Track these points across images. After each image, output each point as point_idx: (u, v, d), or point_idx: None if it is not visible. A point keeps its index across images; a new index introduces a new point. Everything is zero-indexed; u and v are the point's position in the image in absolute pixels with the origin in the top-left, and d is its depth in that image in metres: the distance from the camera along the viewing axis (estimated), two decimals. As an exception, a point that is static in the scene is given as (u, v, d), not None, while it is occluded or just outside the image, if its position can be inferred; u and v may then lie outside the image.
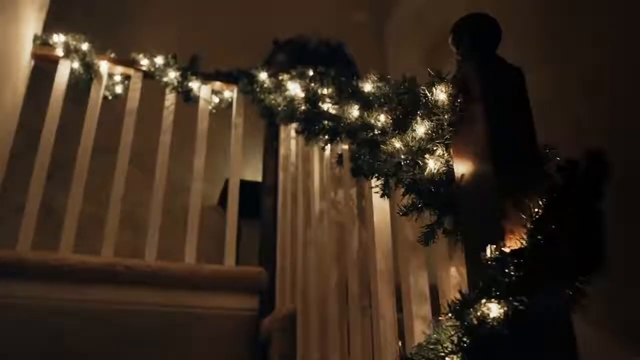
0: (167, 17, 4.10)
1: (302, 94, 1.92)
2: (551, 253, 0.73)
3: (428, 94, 1.02)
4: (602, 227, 0.79)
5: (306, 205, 1.92)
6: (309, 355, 1.67)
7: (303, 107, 1.84)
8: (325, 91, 1.74)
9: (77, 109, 2.40)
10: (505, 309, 0.73)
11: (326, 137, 1.67)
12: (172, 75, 2.46)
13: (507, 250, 0.75)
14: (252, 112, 2.55)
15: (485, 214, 0.87)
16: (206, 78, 2.55)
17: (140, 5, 4.02)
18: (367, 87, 1.37)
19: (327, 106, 1.69)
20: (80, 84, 2.38)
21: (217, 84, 2.61)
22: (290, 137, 2.25)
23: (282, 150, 2.34)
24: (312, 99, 1.75)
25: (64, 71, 2.38)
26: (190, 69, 2.51)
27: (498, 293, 0.72)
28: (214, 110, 2.57)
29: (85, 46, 2.38)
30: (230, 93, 2.62)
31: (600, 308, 1.91)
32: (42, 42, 2.42)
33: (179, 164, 2.62)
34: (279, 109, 2.13)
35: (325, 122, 1.67)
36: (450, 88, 0.99)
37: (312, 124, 1.74)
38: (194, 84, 2.51)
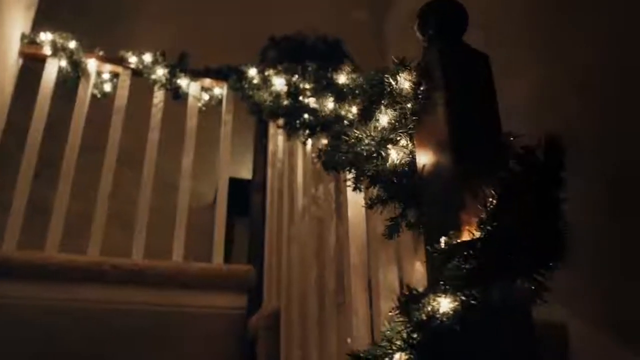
0: (165, 15, 4.09)
1: (286, 89, 1.90)
2: (505, 244, 0.70)
3: (392, 83, 0.98)
4: (561, 216, 0.76)
5: (290, 201, 1.89)
6: (291, 354, 1.65)
7: (286, 102, 1.81)
8: (307, 85, 1.71)
9: (68, 107, 2.39)
10: (456, 303, 0.70)
11: (307, 131, 1.64)
12: (160, 72, 2.44)
13: (456, 242, 0.71)
14: (245, 109, 2.52)
15: (443, 205, 0.83)
16: (195, 75, 2.53)
17: (136, 3, 4.01)
18: (342, 78, 1.33)
19: (309, 100, 1.66)
20: (68, 82, 2.36)
21: (207, 81, 2.59)
22: (277, 134, 2.22)
23: (270, 147, 2.31)
24: (294, 93, 1.72)
25: (51, 70, 2.37)
26: (178, 66, 2.48)
27: (447, 287, 0.68)
28: (203, 108, 2.54)
29: (72, 44, 2.37)
30: (220, 90, 2.60)
31: (600, 309, 1.87)
32: (29, 40, 2.41)
33: (173, 163, 2.60)
34: (265, 104, 2.10)
35: (306, 116, 1.64)
36: (414, 76, 0.95)
37: (293, 118, 1.71)
38: (183, 81, 2.48)
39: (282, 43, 3.58)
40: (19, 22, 2.42)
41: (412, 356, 0.70)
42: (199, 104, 2.53)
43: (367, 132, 0.97)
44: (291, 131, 1.68)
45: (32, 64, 2.47)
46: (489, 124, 0.88)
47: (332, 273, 1.40)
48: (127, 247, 2.31)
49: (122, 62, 2.48)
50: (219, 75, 2.57)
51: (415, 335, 0.70)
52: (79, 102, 2.35)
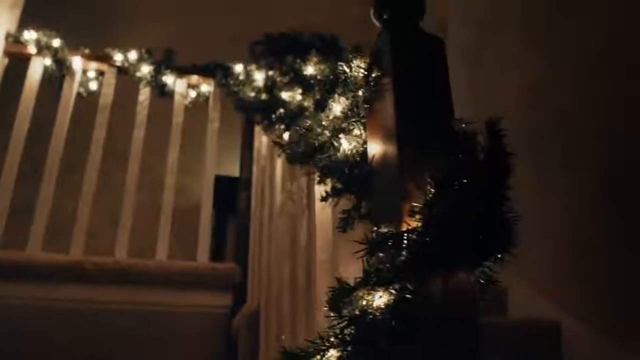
0: (164, 14, 4.08)
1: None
2: (442, 234, 0.66)
3: (347, 70, 0.95)
4: (506, 205, 0.72)
5: (270, 198, 1.86)
6: (269, 352, 1.61)
7: (263, 96, 1.78)
8: (283, 79, 1.67)
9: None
10: (391, 297, 0.66)
11: (282, 126, 1.60)
12: (146, 70, 2.42)
13: (387, 232, 0.67)
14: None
15: (388, 195, 0.79)
16: (181, 72, 2.50)
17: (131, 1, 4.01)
18: (309, 69, 1.30)
19: (285, 94, 1.63)
20: (53, 81, 2.34)
21: (195, 78, 2.56)
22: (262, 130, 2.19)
23: (256, 144, 2.28)
24: (270, 87, 1.69)
25: (36, 68, 2.35)
26: (164, 63, 2.46)
27: (377, 280, 0.65)
28: (189, 105, 2.52)
29: (56, 42, 2.35)
30: (208, 87, 2.57)
31: (593, 306, 1.82)
32: (14, 39, 2.40)
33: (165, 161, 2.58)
34: (248, 100, 2.07)
35: (282, 110, 1.61)
36: (366, 62, 0.92)
37: (269, 113, 1.68)
38: (169, 78, 2.46)
39: (272, 39, 3.53)
40: (4, 21, 2.41)
41: (344, 353, 0.66)
42: (186, 101, 2.51)
43: (319, 122, 0.94)
44: (267, 126, 1.65)
45: (18, 63, 2.45)
46: (439, 110, 0.84)
47: (302, 269, 1.36)
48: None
49: (107, 60, 2.46)
50: (206, 72, 2.54)
51: (348, 331, 0.67)
52: (64, 101, 2.34)
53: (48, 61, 2.35)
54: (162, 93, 2.48)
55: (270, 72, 1.73)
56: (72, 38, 2.48)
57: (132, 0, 4.08)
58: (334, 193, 0.96)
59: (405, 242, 0.65)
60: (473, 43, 2.86)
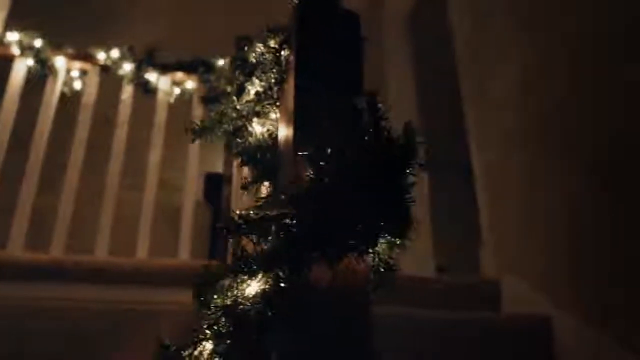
0: (163, 12, 4.09)
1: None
2: (317, 219, 0.61)
3: (263, 51, 0.90)
4: (401, 189, 0.66)
5: (241, 191, 1.83)
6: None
7: (229, 89, 1.75)
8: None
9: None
10: (265, 285, 0.62)
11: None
12: (128, 67, 2.41)
13: (254, 217, 0.63)
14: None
15: (284, 179, 0.75)
16: (166, 69, 2.48)
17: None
18: (251, 56, 1.26)
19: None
20: (35, 81, 2.35)
21: (179, 75, 2.54)
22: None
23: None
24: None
25: (19, 69, 2.36)
26: (146, 61, 2.45)
27: (245, 267, 0.60)
28: (172, 102, 2.50)
29: (38, 43, 2.36)
30: (193, 84, 2.55)
31: (585, 300, 1.74)
32: (-2, 41, 2.41)
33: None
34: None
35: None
36: (278, 42, 0.87)
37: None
38: (152, 76, 2.45)
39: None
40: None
41: (218, 345, 0.62)
42: (170, 98, 2.49)
43: (233, 106, 0.90)
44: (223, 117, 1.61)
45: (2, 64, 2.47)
46: (345, 88, 0.79)
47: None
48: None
49: (90, 58, 2.46)
50: (190, 68, 2.52)
51: (221, 323, 0.62)
52: (46, 100, 2.34)
53: (30, 62, 2.36)
54: (146, 91, 2.46)
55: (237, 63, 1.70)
56: (69, 39, 2.50)
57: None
58: (254, 180, 0.92)
59: (275, 226, 0.60)
60: (470, 32, 2.79)
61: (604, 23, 1.69)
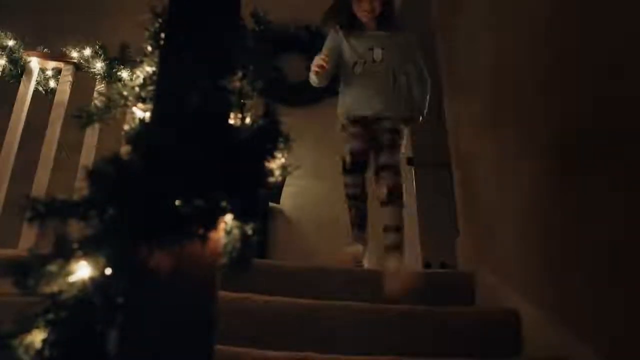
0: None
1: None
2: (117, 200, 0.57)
3: (152, 30, 0.87)
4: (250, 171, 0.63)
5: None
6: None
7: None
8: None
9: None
10: (93, 270, 0.59)
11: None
12: (99, 65, 2.41)
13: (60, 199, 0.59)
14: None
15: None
16: (137, 66, 2.47)
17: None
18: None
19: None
20: (8, 79, 2.37)
21: (153, 72, 2.53)
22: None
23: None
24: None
25: (-7, 70, 2.38)
26: (118, 58, 2.44)
27: (63, 252, 0.57)
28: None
29: (10, 43, 2.37)
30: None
31: (552, 293, 1.68)
32: (-27, 42, 2.43)
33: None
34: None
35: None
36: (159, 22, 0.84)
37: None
38: (124, 73, 2.44)
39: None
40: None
41: (48, 334, 0.59)
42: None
43: (119, 91, 0.87)
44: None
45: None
46: (211, 66, 0.75)
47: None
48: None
49: (64, 57, 2.46)
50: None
51: (50, 313, 0.59)
52: (19, 99, 2.35)
53: (2, 61, 2.37)
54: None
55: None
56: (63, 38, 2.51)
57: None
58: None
59: (79, 209, 0.57)
60: (446, 16, 2.74)
61: (572, 9, 1.63)
